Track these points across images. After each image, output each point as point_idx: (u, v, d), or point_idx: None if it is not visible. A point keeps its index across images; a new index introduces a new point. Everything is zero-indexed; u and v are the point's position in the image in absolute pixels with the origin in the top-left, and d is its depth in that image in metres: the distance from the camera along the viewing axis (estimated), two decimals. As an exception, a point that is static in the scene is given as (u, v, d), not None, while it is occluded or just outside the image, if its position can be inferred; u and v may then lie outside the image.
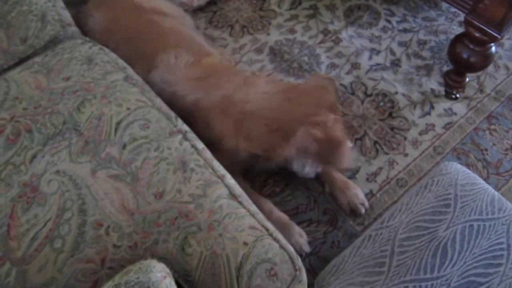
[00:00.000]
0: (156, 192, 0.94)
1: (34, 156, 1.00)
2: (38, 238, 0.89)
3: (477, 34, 1.53)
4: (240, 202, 0.94)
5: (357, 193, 1.50)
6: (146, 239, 0.89)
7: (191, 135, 1.06)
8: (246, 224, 0.90)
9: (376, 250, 1.02)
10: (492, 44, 1.59)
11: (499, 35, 1.47)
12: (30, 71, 1.19)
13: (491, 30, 1.48)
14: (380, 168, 1.64)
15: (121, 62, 1.23)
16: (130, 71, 1.22)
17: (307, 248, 1.39)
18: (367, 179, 1.61)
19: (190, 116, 1.29)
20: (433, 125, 1.77)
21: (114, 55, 1.26)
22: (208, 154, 1.03)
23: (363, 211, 1.50)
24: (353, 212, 1.50)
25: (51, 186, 0.96)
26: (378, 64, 1.96)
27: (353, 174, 1.61)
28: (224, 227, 0.89)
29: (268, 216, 1.34)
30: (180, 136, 1.04)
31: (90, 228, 0.90)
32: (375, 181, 1.61)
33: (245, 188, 1.41)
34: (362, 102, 1.83)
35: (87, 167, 0.98)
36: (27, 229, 0.90)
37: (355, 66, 1.95)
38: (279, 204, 1.50)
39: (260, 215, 0.95)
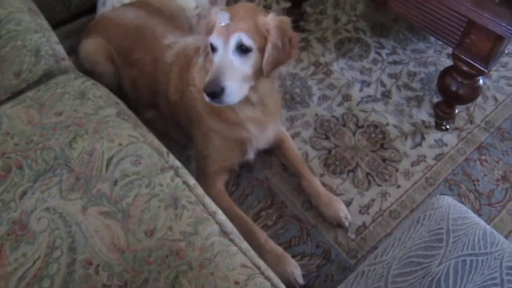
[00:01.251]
0: (147, 229, 0.93)
1: (24, 193, 0.99)
2: (26, 277, 0.88)
3: (464, 68, 1.56)
4: (231, 240, 0.93)
5: (341, 207, 1.56)
6: (137, 278, 0.88)
7: (183, 170, 1.06)
8: (238, 262, 0.90)
9: (369, 286, 1.01)
10: (480, 77, 1.62)
11: (486, 68, 1.50)
12: (22, 106, 1.20)
13: (478, 64, 1.51)
14: (373, 200, 1.64)
15: (113, 97, 1.24)
16: (122, 106, 1.23)
17: (301, 280, 1.38)
18: (360, 211, 1.60)
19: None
20: (425, 156, 1.79)
21: (106, 90, 1.27)
22: (199, 190, 1.03)
23: (347, 224, 1.56)
24: (339, 225, 1.56)
25: (41, 224, 0.94)
26: (369, 96, 1.98)
27: (346, 205, 1.60)
28: (215, 265, 0.88)
29: (263, 247, 1.36)
30: (171, 172, 1.03)
31: (80, 267, 0.89)
32: (368, 213, 1.60)
33: (241, 217, 1.43)
34: (354, 133, 1.84)
35: (77, 204, 0.97)
36: (15, 268, 0.89)
37: (346, 98, 1.97)
38: (272, 237, 1.48)
39: (252, 253, 0.94)
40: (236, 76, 1.26)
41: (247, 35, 1.26)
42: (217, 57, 1.27)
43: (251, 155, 1.60)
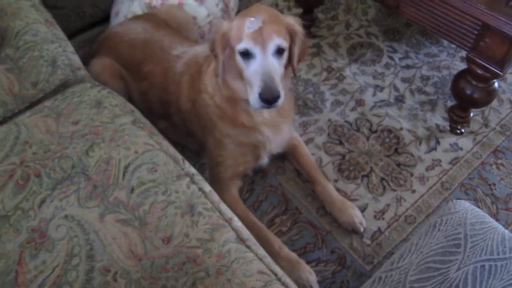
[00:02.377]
0: (164, 236, 0.94)
1: (43, 201, 1.01)
2: (46, 284, 0.89)
3: (479, 71, 1.55)
4: (248, 246, 0.93)
5: (356, 213, 1.56)
6: (154, 285, 0.88)
7: (198, 177, 1.07)
8: (255, 268, 0.90)
9: (386, 293, 1.01)
10: (495, 80, 1.60)
11: (501, 72, 1.49)
12: (40, 115, 1.21)
13: (493, 67, 1.50)
14: (388, 205, 1.63)
15: (129, 106, 1.26)
16: (138, 114, 1.25)
17: (316, 287, 1.37)
18: (375, 217, 1.60)
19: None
20: (440, 161, 1.77)
21: (122, 99, 1.29)
22: (215, 197, 1.03)
23: (362, 229, 1.55)
24: (353, 231, 1.56)
25: (59, 231, 0.96)
26: (382, 101, 1.98)
27: (360, 211, 1.59)
28: (232, 272, 0.88)
29: (278, 254, 1.35)
30: (187, 179, 1.04)
31: (98, 274, 0.90)
32: (383, 218, 1.59)
33: (255, 224, 1.44)
34: (368, 138, 1.84)
35: (95, 212, 0.98)
36: (35, 276, 0.90)
37: (360, 103, 1.97)
38: (286, 243, 1.48)
39: (268, 259, 0.94)
40: (280, 78, 1.30)
41: (281, 37, 1.28)
42: (255, 64, 1.27)
43: (264, 160, 1.60)
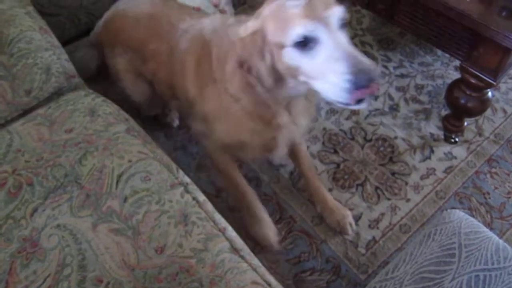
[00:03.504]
0: (157, 246, 0.93)
1: (35, 210, 1.00)
2: (37, 295, 0.88)
3: (473, 81, 1.56)
4: (242, 256, 0.93)
5: (347, 213, 1.57)
6: (147, 295, 0.87)
7: (192, 186, 1.06)
8: (249, 279, 0.89)
9: (381, 303, 1.00)
10: (489, 89, 1.61)
11: (495, 81, 1.50)
12: (33, 123, 1.21)
13: (486, 77, 1.51)
14: (382, 214, 1.63)
15: (123, 114, 1.25)
16: (132, 122, 1.24)
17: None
18: (370, 226, 1.59)
19: None
20: (434, 169, 1.78)
21: (116, 106, 1.28)
22: (209, 206, 1.03)
23: (350, 231, 1.56)
24: (341, 232, 1.56)
25: (51, 241, 0.95)
26: (376, 109, 1.98)
27: (355, 220, 1.59)
28: (226, 282, 0.88)
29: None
30: (181, 188, 1.03)
31: (90, 284, 0.89)
32: (378, 227, 1.59)
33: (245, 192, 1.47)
34: (362, 147, 1.84)
35: (88, 221, 0.97)
36: (26, 286, 0.89)
37: (354, 111, 1.97)
38: (281, 252, 1.48)
39: (263, 269, 0.93)
40: None
41: (337, 3, 1.00)
42: (325, 49, 0.96)
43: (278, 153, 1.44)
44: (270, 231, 1.47)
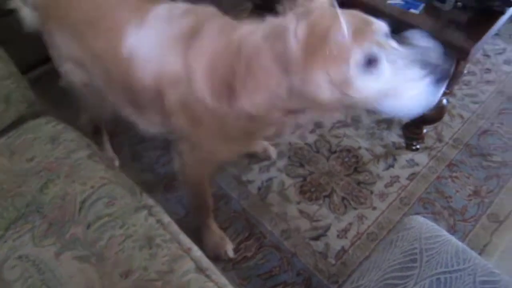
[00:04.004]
0: (122, 271, 0.93)
1: (-4, 242, 0.98)
2: (0, 329, 0.86)
3: (427, 90, 1.62)
4: (207, 276, 0.93)
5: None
6: (113, 321, 0.87)
7: (157, 209, 1.07)
8: (215, 298, 0.90)
9: (348, 312, 1.02)
10: (443, 97, 1.67)
11: (447, 89, 1.56)
12: (-7, 154, 1.19)
13: (439, 85, 1.57)
14: (350, 224, 1.66)
15: (85, 140, 1.25)
16: (94, 148, 1.24)
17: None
18: (338, 236, 1.62)
19: None
20: (398, 177, 1.83)
21: (78, 133, 1.27)
22: (174, 227, 1.03)
23: (274, 156, 1.86)
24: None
25: (14, 273, 0.94)
26: (340, 122, 2.03)
27: (323, 231, 1.62)
28: (192, 303, 0.88)
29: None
30: (145, 211, 1.04)
31: (55, 314, 0.88)
32: (346, 237, 1.62)
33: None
34: (328, 159, 1.88)
35: (51, 250, 0.97)
36: (-11, 321, 0.87)
37: (318, 125, 2.01)
38: (252, 268, 1.49)
39: (229, 287, 0.94)
40: None
41: None
42: (390, 65, 0.88)
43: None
44: (223, 240, 1.56)
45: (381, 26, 0.90)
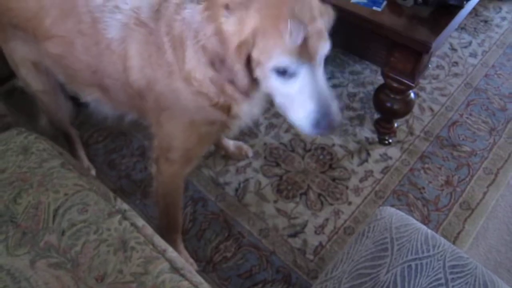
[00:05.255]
0: (97, 275, 0.94)
1: (-31, 255, 0.98)
2: None
3: (394, 84, 1.67)
4: (182, 275, 0.95)
5: (242, 145, 1.86)
6: (91, 325, 0.88)
7: (131, 213, 1.08)
8: (190, 296, 0.91)
9: (323, 303, 1.05)
10: (410, 91, 1.72)
11: (413, 83, 1.61)
12: (-37, 167, 1.19)
13: (405, 79, 1.62)
14: (327, 219, 1.69)
15: (57, 149, 1.25)
16: (67, 156, 1.24)
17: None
18: (315, 232, 1.65)
19: None
20: (372, 171, 1.87)
21: (50, 142, 1.28)
22: (148, 230, 1.04)
23: (251, 154, 1.90)
24: (243, 158, 1.86)
25: (-11, 284, 0.93)
26: (313, 120, 2.06)
27: (301, 228, 1.65)
28: (168, 302, 0.90)
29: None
30: (119, 216, 1.05)
31: (31, 322, 0.88)
32: (323, 232, 1.65)
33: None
34: (303, 157, 1.91)
35: (25, 259, 0.97)
36: (-36, 333, 0.87)
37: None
38: (232, 268, 1.51)
39: (204, 285, 0.96)
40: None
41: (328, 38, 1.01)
42: (301, 85, 0.97)
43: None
44: (188, 261, 1.52)
45: (325, 48, 0.99)
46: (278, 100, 1.05)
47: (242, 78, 1.01)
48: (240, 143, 1.91)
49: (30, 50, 1.33)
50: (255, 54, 0.97)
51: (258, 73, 1.01)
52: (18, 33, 1.29)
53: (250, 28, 0.94)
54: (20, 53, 1.36)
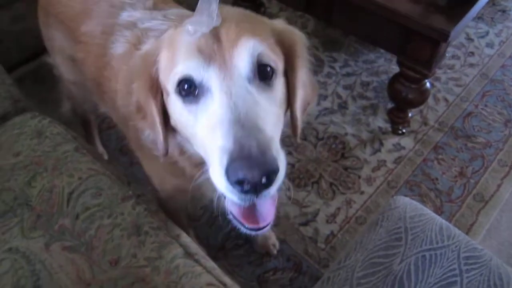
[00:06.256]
0: (111, 259, 0.94)
1: (-15, 236, 0.99)
2: (-8, 321, 0.87)
3: (410, 73, 1.65)
4: (196, 260, 0.95)
5: (270, 235, 1.53)
6: (105, 308, 0.88)
7: (145, 197, 1.08)
8: (203, 281, 0.91)
9: (335, 291, 1.04)
10: (426, 80, 1.70)
11: (429, 72, 1.59)
12: (-21, 150, 1.19)
13: (421, 68, 1.60)
14: (339, 209, 1.68)
15: (71, 133, 1.25)
16: (80, 140, 1.24)
17: None
18: (327, 221, 1.64)
19: None
20: (384, 161, 1.85)
21: (63, 126, 1.28)
22: (162, 215, 1.05)
23: (275, 252, 1.54)
24: (267, 253, 1.55)
25: (4, 265, 0.94)
26: (326, 109, 2.05)
27: (312, 217, 1.64)
28: (181, 287, 0.90)
29: None
30: (132, 200, 1.05)
31: (46, 304, 0.89)
32: (335, 221, 1.64)
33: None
34: (315, 146, 1.90)
35: (40, 242, 0.97)
36: (-20, 313, 0.88)
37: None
38: (243, 255, 1.51)
39: (218, 271, 0.96)
40: (274, 129, 0.72)
41: (263, 42, 0.72)
42: (213, 105, 0.69)
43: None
44: None
45: (248, 47, 0.70)
46: (195, 143, 0.77)
47: (155, 121, 0.80)
48: (269, 233, 1.56)
49: (69, 46, 1.27)
50: (161, 75, 0.77)
51: (174, 108, 0.77)
52: (61, 27, 1.25)
53: (159, 41, 0.81)
54: (59, 43, 1.33)
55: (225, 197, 0.73)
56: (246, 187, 0.62)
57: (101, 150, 1.82)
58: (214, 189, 0.70)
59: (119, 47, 1.01)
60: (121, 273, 0.92)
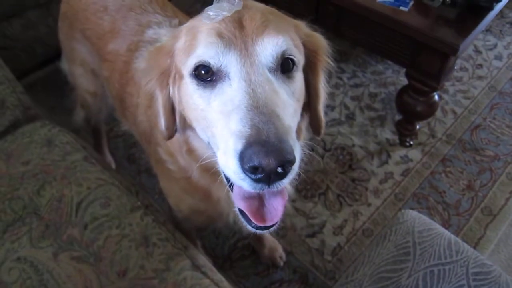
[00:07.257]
0: (119, 270, 0.94)
1: (-6, 245, 0.99)
2: (0, 330, 0.87)
3: (418, 86, 1.65)
4: (203, 273, 0.95)
5: (276, 247, 1.53)
6: (112, 320, 0.88)
7: (153, 208, 1.08)
8: (211, 294, 0.91)
9: (343, 305, 1.04)
10: (434, 93, 1.70)
11: (438, 85, 1.58)
12: (-11, 158, 1.20)
13: (430, 81, 1.59)
14: (345, 220, 1.68)
15: (80, 142, 1.26)
16: (90, 150, 1.25)
17: None
18: (334, 233, 1.64)
19: None
20: (392, 173, 1.84)
21: (73, 135, 1.29)
22: (170, 226, 1.04)
23: (281, 263, 1.53)
24: (273, 265, 1.54)
25: (12, 275, 0.94)
26: (333, 120, 2.05)
27: (319, 228, 1.63)
28: (189, 299, 0.90)
29: None
30: (141, 211, 1.05)
31: (54, 314, 0.89)
32: (342, 233, 1.64)
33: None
34: (322, 157, 1.89)
35: (48, 251, 0.98)
36: (-12, 323, 0.88)
37: (312, 123, 2.03)
38: (249, 266, 1.50)
39: (225, 284, 0.96)
40: (292, 122, 0.70)
41: (288, 37, 0.73)
42: (230, 89, 0.67)
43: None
44: None
45: (274, 43, 0.70)
46: (200, 127, 0.75)
47: (161, 108, 0.81)
48: (276, 245, 1.57)
49: (93, 61, 1.30)
50: (178, 62, 0.76)
51: (175, 93, 0.79)
52: (87, 42, 1.27)
53: (176, 34, 0.80)
54: (82, 56, 1.35)
55: (232, 190, 0.72)
56: (260, 175, 0.60)
57: (109, 159, 1.83)
58: (231, 209, 0.73)
59: (142, 61, 0.96)
60: (129, 284, 0.92)
